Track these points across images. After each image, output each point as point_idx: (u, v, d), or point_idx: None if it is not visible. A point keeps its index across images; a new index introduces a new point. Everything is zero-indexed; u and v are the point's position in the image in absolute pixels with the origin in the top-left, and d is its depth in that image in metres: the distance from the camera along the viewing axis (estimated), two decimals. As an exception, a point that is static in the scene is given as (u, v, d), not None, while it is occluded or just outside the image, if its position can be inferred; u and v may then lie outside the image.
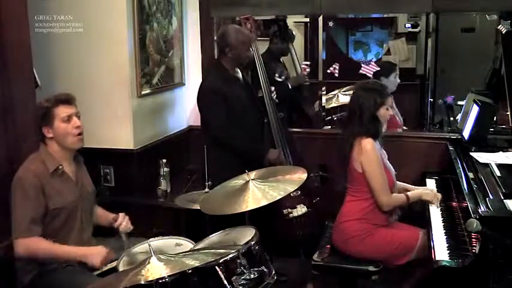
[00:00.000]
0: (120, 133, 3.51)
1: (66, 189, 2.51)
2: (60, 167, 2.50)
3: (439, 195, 2.97)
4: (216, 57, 4.01)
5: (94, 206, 2.76)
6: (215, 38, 4.03)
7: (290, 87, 4.18)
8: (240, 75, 3.42)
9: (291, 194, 2.87)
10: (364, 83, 3.04)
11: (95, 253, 2.39)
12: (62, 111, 2.48)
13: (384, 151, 2.96)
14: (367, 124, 2.82)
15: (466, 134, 3.42)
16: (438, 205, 2.91)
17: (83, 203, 2.60)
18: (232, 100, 3.23)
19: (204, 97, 3.30)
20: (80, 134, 2.52)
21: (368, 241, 2.82)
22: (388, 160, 2.98)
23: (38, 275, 2.45)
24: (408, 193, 2.93)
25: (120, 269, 2.27)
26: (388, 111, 2.88)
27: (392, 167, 2.97)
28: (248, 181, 2.52)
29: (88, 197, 2.66)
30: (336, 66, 4.34)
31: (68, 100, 2.52)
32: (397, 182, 3.07)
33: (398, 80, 4.32)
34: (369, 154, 2.78)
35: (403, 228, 2.92)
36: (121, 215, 2.68)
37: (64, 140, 2.50)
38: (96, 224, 2.75)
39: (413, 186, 3.14)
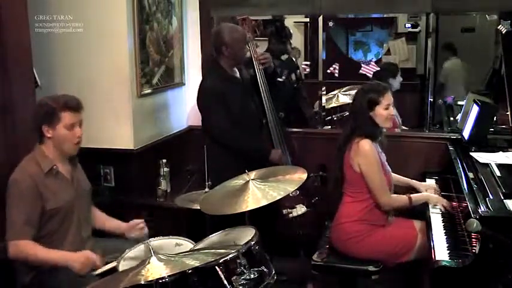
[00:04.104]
0: (120, 133, 3.51)
1: (61, 189, 2.51)
2: (55, 167, 2.49)
3: (445, 202, 2.90)
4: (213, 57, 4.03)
5: (91, 204, 2.75)
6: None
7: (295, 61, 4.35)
8: (238, 74, 3.42)
9: (290, 194, 2.87)
10: (364, 85, 3.04)
11: (76, 259, 2.36)
12: (68, 117, 2.45)
13: (383, 153, 2.95)
14: (362, 125, 2.82)
15: (466, 134, 3.42)
16: (442, 208, 2.85)
17: (79, 201, 2.59)
18: (231, 100, 3.22)
19: (203, 98, 3.29)
20: (78, 143, 2.52)
21: (367, 241, 2.81)
22: (389, 160, 2.98)
23: (37, 275, 2.45)
24: (412, 196, 2.91)
25: (120, 269, 2.27)
26: (388, 111, 2.85)
27: (389, 169, 2.96)
28: (248, 181, 2.53)
29: (84, 195, 2.66)
30: (336, 66, 4.34)
31: (77, 108, 2.49)
32: (400, 177, 3.13)
33: (401, 78, 4.38)
34: (367, 155, 2.78)
35: (401, 224, 2.92)
36: (141, 220, 2.71)
37: (61, 145, 2.49)
38: (104, 230, 2.76)
39: (416, 182, 3.16)
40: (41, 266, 2.43)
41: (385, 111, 2.84)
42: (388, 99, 2.86)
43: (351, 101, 4.71)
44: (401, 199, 2.89)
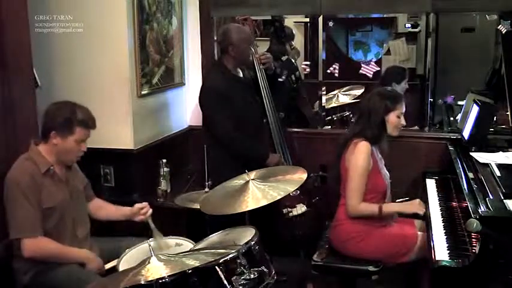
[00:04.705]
0: (120, 133, 3.50)
1: (56, 189, 2.51)
2: (52, 167, 2.50)
3: (423, 206, 2.83)
4: (216, 57, 4.03)
5: (87, 202, 2.77)
6: (215, 38, 4.04)
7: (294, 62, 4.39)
8: (241, 74, 3.42)
9: (291, 194, 2.87)
10: (382, 89, 3.06)
11: (95, 259, 2.52)
12: (82, 134, 2.49)
13: (383, 159, 2.94)
14: (371, 127, 2.82)
15: (466, 134, 3.42)
16: (422, 213, 2.79)
17: (74, 203, 2.60)
18: (234, 100, 3.22)
19: (206, 98, 3.29)
20: (79, 157, 2.57)
21: (366, 242, 2.81)
22: (389, 160, 2.98)
23: (37, 274, 2.45)
24: (383, 205, 2.82)
25: (120, 269, 2.27)
26: (400, 120, 2.85)
27: (387, 173, 2.95)
28: (248, 181, 2.53)
29: (79, 195, 2.67)
30: (336, 66, 4.35)
31: (92, 127, 2.53)
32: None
33: (407, 86, 4.36)
34: (359, 156, 2.77)
35: (401, 224, 2.92)
36: (144, 203, 2.74)
37: (64, 155, 2.52)
38: (108, 220, 2.81)
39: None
40: (41, 265, 2.43)
41: (396, 119, 2.85)
42: (401, 108, 2.87)
43: (352, 101, 4.76)
44: (370, 208, 2.81)
